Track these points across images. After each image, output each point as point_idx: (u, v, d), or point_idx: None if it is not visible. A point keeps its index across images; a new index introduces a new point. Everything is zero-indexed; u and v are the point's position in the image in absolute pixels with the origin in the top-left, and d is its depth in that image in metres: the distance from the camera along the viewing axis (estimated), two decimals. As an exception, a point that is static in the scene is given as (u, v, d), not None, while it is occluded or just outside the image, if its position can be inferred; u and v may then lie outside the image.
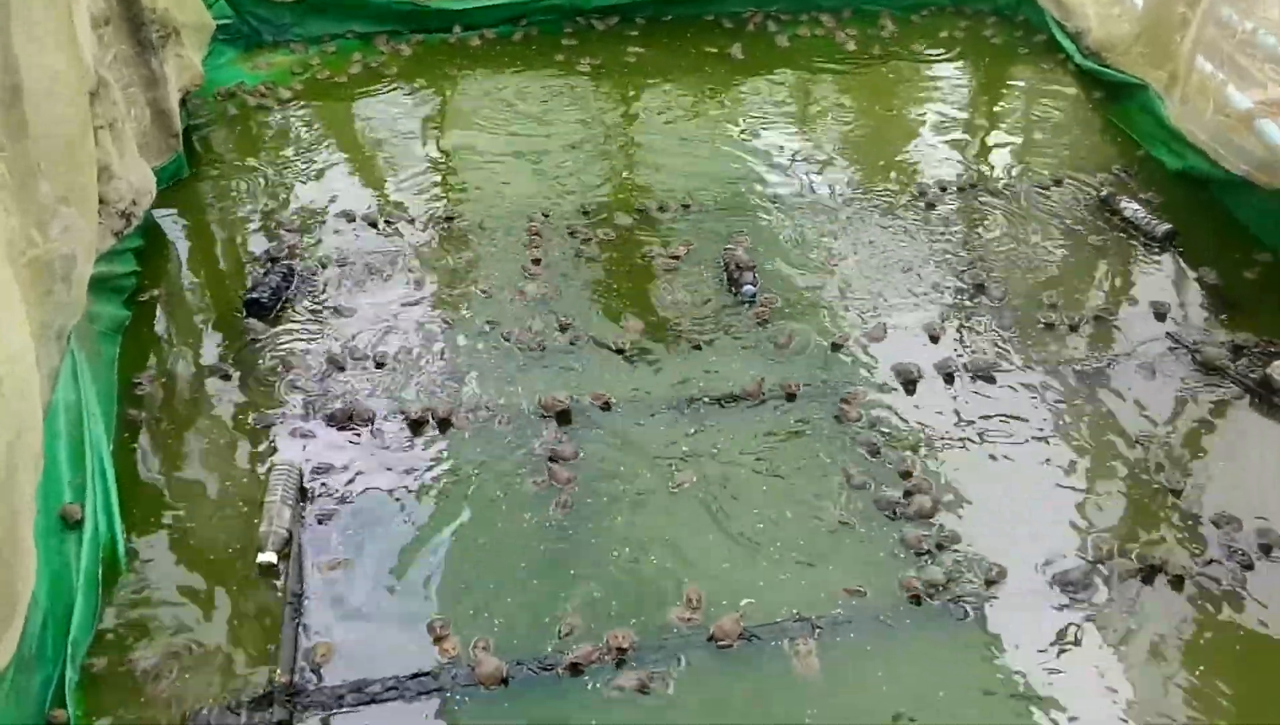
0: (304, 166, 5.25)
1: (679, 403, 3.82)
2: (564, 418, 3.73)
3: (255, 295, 4.16)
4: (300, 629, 3.00)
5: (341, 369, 3.94)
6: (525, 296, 4.33)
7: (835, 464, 3.58)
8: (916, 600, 3.10)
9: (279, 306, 4.23)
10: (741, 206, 4.99)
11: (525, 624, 3.03)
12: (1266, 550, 3.26)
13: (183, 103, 5.29)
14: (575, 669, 2.89)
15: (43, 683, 2.74)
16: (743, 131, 5.65)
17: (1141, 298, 4.38)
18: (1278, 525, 3.33)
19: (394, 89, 6.00)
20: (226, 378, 3.89)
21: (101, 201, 3.89)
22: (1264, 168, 4.45)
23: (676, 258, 4.58)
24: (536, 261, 4.54)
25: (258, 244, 4.63)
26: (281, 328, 4.15)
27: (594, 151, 5.45)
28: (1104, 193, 5.04)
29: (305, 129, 5.58)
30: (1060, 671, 2.93)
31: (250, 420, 3.72)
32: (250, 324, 4.12)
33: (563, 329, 4.16)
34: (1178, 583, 3.16)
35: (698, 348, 4.08)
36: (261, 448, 3.61)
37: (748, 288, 4.34)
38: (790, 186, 5.15)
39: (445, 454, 3.60)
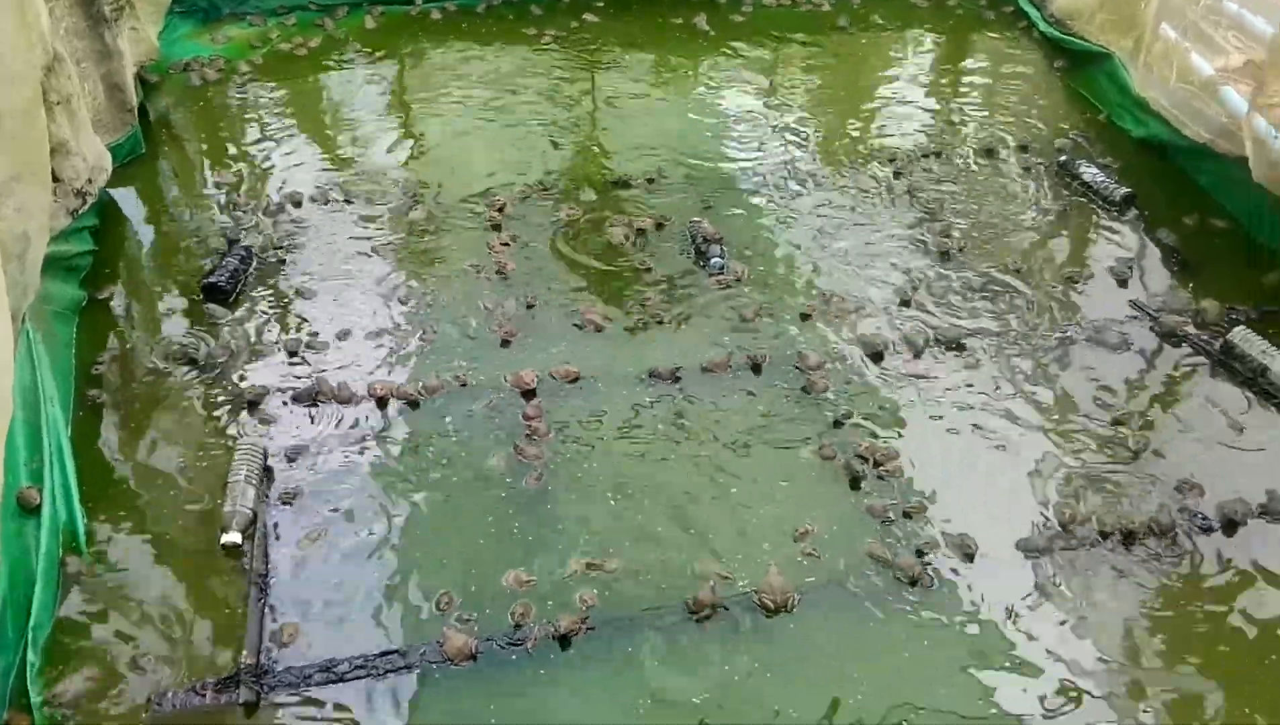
0: (263, 143, 5.17)
1: (646, 376, 3.81)
2: (532, 393, 3.72)
3: (213, 279, 4.08)
4: (266, 609, 2.98)
5: (304, 349, 3.89)
6: (490, 272, 4.30)
7: (802, 435, 3.59)
8: (885, 566, 3.13)
9: (238, 289, 4.16)
10: (708, 178, 4.96)
11: (493, 599, 3.03)
12: (1225, 514, 3.30)
13: (138, 78, 5.19)
14: (564, 641, 2.92)
15: (3, 670, 2.71)
16: (709, 102, 5.62)
17: (1102, 263, 4.41)
18: (1237, 489, 3.37)
19: (355, 63, 5.91)
20: (187, 359, 3.83)
21: (56, 179, 3.81)
22: (1225, 135, 4.48)
23: (643, 231, 4.56)
24: (501, 238, 4.49)
25: (216, 223, 4.54)
26: (242, 310, 4.08)
27: (559, 125, 5.40)
28: (1063, 158, 5.07)
29: (264, 104, 5.49)
30: (1024, 635, 2.96)
31: (212, 401, 3.67)
32: (210, 308, 4.05)
33: (529, 305, 4.13)
34: (1139, 547, 3.20)
35: (661, 322, 4.07)
36: (224, 428, 3.57)
37: (715, 260, 4.32)
38: (756, 157, 5.13)
39: (412, 432, 3.58)
